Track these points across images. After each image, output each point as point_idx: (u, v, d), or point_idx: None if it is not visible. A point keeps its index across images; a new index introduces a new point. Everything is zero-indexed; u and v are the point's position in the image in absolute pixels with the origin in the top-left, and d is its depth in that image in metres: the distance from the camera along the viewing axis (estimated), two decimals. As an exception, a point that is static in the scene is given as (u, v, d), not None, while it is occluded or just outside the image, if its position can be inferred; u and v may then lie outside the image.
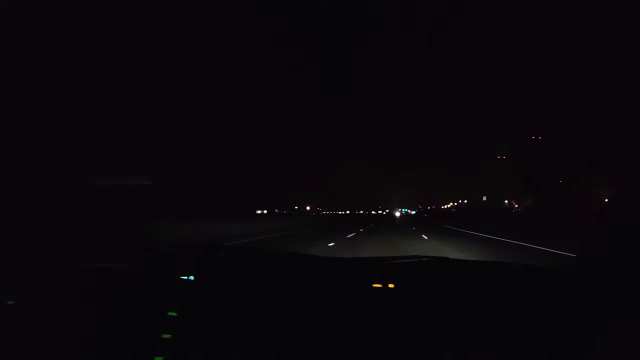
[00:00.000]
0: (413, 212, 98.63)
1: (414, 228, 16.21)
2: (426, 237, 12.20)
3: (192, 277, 1.08)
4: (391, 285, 1.01)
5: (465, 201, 76.02)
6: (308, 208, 72.28)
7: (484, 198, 50.48)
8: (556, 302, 0.91)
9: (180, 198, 20.68)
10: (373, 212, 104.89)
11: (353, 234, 13.60)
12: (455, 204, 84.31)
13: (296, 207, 69.70)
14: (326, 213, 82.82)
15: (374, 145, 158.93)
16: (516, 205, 48.98)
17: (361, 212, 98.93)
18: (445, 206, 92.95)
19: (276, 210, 54.08)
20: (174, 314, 0.96)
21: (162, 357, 0.89)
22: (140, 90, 27.66)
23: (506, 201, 51.05)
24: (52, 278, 1.13)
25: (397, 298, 0.99)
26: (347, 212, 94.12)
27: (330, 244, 9.35)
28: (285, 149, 75.26)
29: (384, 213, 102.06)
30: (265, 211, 48.70)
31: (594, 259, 1.15)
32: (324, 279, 1.12)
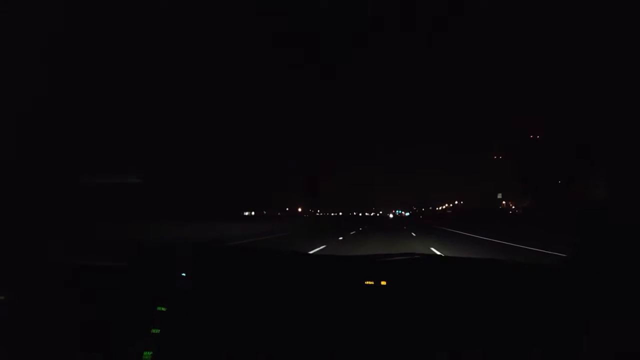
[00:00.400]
0: (407, 214, 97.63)
1: (414, 234, 14.77)
2: (433, 249, 10.52)
3: (183, 274, 1.07)
4: (383, 283, 1.01)
5: (462, 202, 74.78)
6: (300, 210, 70.33)
7: (499, 196, 48.35)
8: (547, 298, 0.92)
9: (162, 198, 19.22)
10: (367, 213, 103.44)
11: (341, 238, 12.14)
12: (451, 205, 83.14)
13: (287, 209, 67.70)
14: (319, 214, 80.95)
15: (374, 146, 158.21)
16: (513, 207, 47.60)
17: (354, 214, 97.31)
18: (440, 207, 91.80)
19: (265, 212, 51.83)
20: (163, 309, 0.97)
21: (151, 352, 0.90)
22: (138, 90, 26.12)
23: (504, 202, 49.61)
24: (42, 275, 1.11)
25: (389, 295, 1.00)
26: (340, 213, 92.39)
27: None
28: (284, 148, 73.69)
29: (378, 215, 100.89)
30: (253, 213, 46.59)
31: (586, 258, 1.11)
32: (314, 276, 1.09)
